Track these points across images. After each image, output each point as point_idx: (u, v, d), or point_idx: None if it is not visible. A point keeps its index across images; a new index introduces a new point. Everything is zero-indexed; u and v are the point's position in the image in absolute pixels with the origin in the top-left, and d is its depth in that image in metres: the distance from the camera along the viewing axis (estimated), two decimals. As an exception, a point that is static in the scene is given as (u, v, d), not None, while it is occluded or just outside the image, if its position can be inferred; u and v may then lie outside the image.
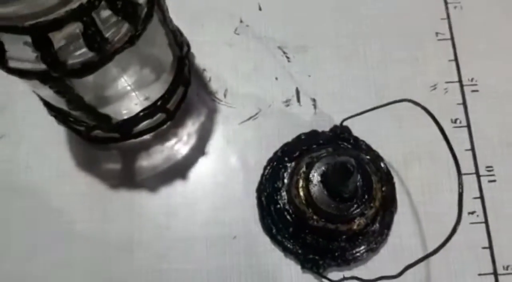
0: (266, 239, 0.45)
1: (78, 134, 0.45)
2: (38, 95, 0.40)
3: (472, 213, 0.45)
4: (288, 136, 0.47)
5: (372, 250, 0.44)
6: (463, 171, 0.46)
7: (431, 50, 0.50)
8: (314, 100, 0.49)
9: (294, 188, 0.42)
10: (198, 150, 0.47)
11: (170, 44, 0.40)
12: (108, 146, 0.47)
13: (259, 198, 0.45)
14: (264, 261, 0.44)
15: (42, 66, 0.28)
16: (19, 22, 0.25)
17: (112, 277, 0.44)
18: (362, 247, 0.44)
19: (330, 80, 0.49)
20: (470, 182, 0.46)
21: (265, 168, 0.46)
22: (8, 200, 0.46)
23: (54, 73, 0.28)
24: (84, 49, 0.28)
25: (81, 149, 0.47)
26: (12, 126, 0.48)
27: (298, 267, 0.44)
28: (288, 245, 0.44)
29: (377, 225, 0.44)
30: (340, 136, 0.46)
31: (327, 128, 0.47)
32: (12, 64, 0.28)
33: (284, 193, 0.45)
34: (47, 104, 0.41)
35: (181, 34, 0.44)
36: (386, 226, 0.44)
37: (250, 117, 0.48)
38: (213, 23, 0.51)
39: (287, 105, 0.49)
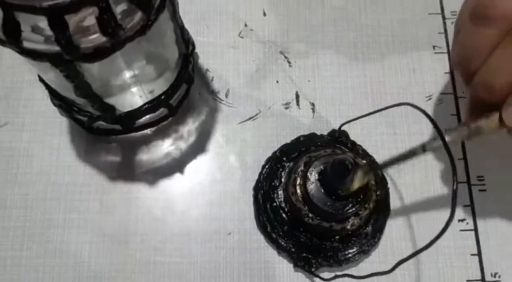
0: (260, 237, 0.45)
1: (81, 125, 0.46)
2: (44, 83, 0.41)
3: (462, 220, 0.46)
4: (287, 138, 0.48)
5: (364, 252, 0.44)
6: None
7: (428, 62, 0.52)
8: (313, 104, 0.50)
9: (291, 186, 0.43)
10: (197, 147, 0.48)
11: (177, 40, 0.41)
12: (109, 138, 0.47)
13: (255, 196, 0.46)
14: (257, 258, 0.45)
15: (55, 48, 0.29)
16: (36, 2, 0.26)
17: (106, 268, 0.44)
18: (354, 249, 0.44)
19: (329, 86, 0.50)
20: (461, 191, 0.47)
21: (263, 167, 0.47)
22: (7, 187, 0.46)
23: (67, 56, 0.29)
24: (97, 35, 0.29)
25: (81, 140, 0.48)
26: (15, 114, 0.49)
27: (291, 265, 0.45)
28: (282, 243, 0.44)
29: (370, 227, 0.45)
30: (338, 140, 0.47)
31: (324, 132, 0.48)
32: (26, 45, 0.29)
33: (280, 192, 0.45)
34: (52, 92, 0.41)
35: (188, 32, 0.45)
36: (379, 229, 0.45)
37: (250, 118, 0.49)
38: (218, 25, 0.52)
39: (287, 108, 0.50)
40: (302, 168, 0.42)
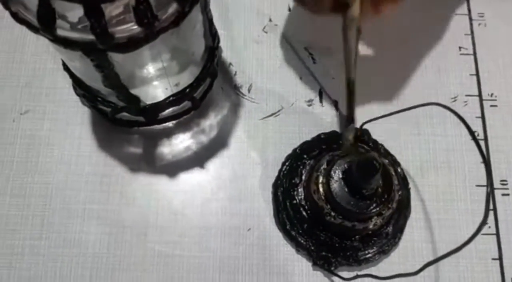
0: (279, 234, 0.45)
1: (103, 116, 0.45)
2: (69, 72, 0.41)
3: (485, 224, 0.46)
4: (308, 135, 0.48)
5: (384, 252, 0.44)
6: (477, 182, 0.47)
7: (454, 63, 0.51)
8: (336, 102, 0.49)
9: (313, 184, 0.42)
10: (219, 142, 0.48)
11: (205, 33, 0.40)
12: (130, 130, 0.47)
13: (275, 193, 0.46)
14: (276, 255, 0.45)
15: (89, 37, 0.29)
16: (74, -9, 0.26)
17: (125, 260, 0.44)
18: (374, 248, 0.44)
19: (353, 84, 0.50)
20: (484, 194, 0.47)
21: (283, 164, 0.47)
22: (27, 175, 0.46)
23: (100, 45, 0.29)
24: (132, 24, 0.29)
25: (103, 130, 0.48)
26: (36, 102, 0.48)
27: (309, 264, 0.44)
28: (301, 241, 0.44)
29: (391, 227, 0.44)
30: (359, 138, 0.47)
31: (347, 130, 0.48)
32: (60, 33, 0.29)
33: (301, 189, 0.45)
34: (76, 81, 0.41)
35: (214, 26, 0.44)
36: (399, 229, 0.45)
37: (272, 114, 0.49)
38: (242, 20, 0.52)
39: (310, 105, 0.49)
40: (325, 166, 0.42)
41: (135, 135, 0.48)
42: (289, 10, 0.52)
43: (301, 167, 0.46)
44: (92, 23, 0.28)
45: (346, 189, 0.40)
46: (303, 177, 0.46)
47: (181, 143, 0.48)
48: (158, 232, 0.45)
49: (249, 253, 0.45)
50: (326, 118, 0.49)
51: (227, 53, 0.51)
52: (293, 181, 0.46)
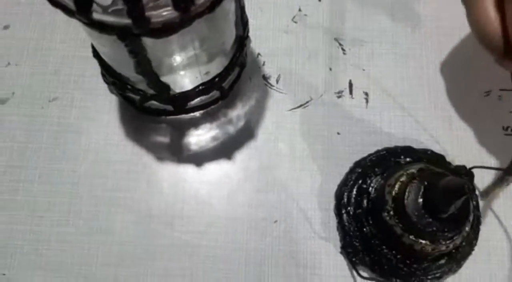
0: (307, 226, 0.45)
1: (132, 104, 0.45)
2: (99, 59, 0.41)
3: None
4: (338, 127, 0.47)
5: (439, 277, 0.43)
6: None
7: (487, 56, 0.50)
8: (366, 94, 0.49)
9: (385, 197, 0.41)
10: (246, 132, 0.48)
11: (237, 22, 0.40)
12: (158, 119, 0.47)
13: (337, 203, 0.45)
14: (303, 248, 0.44)
15: (125, 21, 0.28)
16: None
17: (151, 249, 0.44)
18: (433, 272, 0.43)
19: (384, 76, 0.49)
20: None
21: (351, 170, 0.46)
22: (54, 162, 0.46)
23: (136, 30, 0.28)
24: (168, 8, 0.28)
25: (130, 119, 0.47)
26: (65, 90, 0.48)
27: (337, 257, 0.44)
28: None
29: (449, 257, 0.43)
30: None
31: (377, 123, 0.47)
32: (96, 16, 0.28)
33: (366, 201, 0.44)
34: (106, 68, 0.41)
35: (246, 14, 0.44)
36: (458, 261, 0.44)
37: (301, 105, 0.48)
38: (271, 9, 0.51)
39: (339, 97, 0.48)
40: (400, 180, 0.41)
41: (162, 124, 0.47)
42: (319, 0, 0.51)
43: (372, 177, 0.45)
44: (129, 6, 0.27)
45: (422, 208, 0.39)
46: (371, 189, 0.45)
47: (208, 133, 0.47)
48: (185, 222, 0.45)
49: (275, 245, 0.44)
50: (356, 111, 0.48)
51: (255, 43, 0.50)
52: (360, 191, 0.45)
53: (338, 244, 0.44)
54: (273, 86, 0.49)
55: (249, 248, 0.44)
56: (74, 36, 0.50)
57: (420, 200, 0.39)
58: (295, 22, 0.51)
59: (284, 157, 0.47)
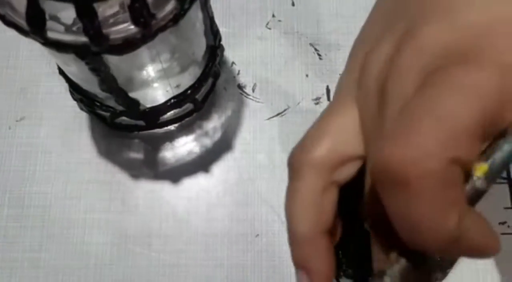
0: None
1: (102, 120, 0.43)
2: (65, 77, 0.39)
3: (503, 223, 0.44)
4: (317, 135, 0.46)
5: None
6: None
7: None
8: (344, 99, 0.47)
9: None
10: (223, 144, 0.46)
11: (206, 31, 0.38)
12: (131, 135, 0.45)
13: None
14: (286, 261, 0.43)
15: (82, 39, 0.27)
16: (63, -11, 0.24)
17: (128, 270, 0.42)
18: None
19: (361, 80, 0.48)
20: (502, 191, 0.45)
21: None
22: (24, 185, 0.44)
23: (95, 47, 0.27)
24: (127, 24, 0.27)
25: (102, 136, 0.46)
26: (33, 108, 0.46)
27: (322, 270, 0.42)
28: None
29: None
30: None
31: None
32: (51, 35, 0.27)
33: None
34: (73, 86, 0.39)
35: (216, 24, 0.42)
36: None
37: (278, 114, 0.47)
38: (244, 16, 0.50)
39: (317, 103, 0.47)
40: None
41: (135, 140, 0.46)
42: (293, 4, 0.50)
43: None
44: (85, 24, 0.26)
45: None
46: None
47: (184, 147, 0.46)
48: (163, 241, 0.43)
49: (258, 260, 0.43)
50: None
51: (229, 51, 0.48)
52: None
53: (323, 256, 0.43)
54: (249, 95, 0.47)
55: (231, 264, 0.43)
56: (40, 53, 0.48)
57: None
58: (269, 29, 0.50)
59: (263, 168, 0.45)
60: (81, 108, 0.43)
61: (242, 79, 0.48)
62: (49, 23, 0.26)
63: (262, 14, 0.50)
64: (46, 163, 0.45)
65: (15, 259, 0.42)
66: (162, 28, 0.28)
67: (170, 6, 0.28)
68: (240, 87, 0.48)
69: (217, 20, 0.43)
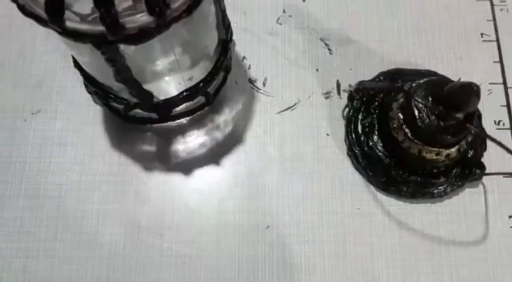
0: (300, 230, 0.44)
1: (116, 113, 0.44)
2: (80, 69, 0.40)
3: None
4: (327, 128, 0.47)
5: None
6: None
7: (476, 50, 0.49)
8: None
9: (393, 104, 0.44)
10: (234, 138, 0.47)
11: (218, 25, 0.39)
12: (143, 127, 0.46)
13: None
14: (297, 253, 0.43)
15: (99, 28, 0.27)
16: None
17: (141, 261, 0.43)
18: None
19: (372, 75, 0.48)
20: (510, 184, 0.45)
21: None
22: (40, 176, 0.45)
23: (111, 37, 0.28)
24: (143, 14, 0.28)
25: (116, 129, 0.46)
26: (48, 102, 0.47)
27: (332, 261, 0.43)
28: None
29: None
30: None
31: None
32: (69, 24, 0.28)
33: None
34: (88, 78, 0.40)
35: (228, 18, 0.43)
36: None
37: (289, 108, 0.47)
38: (255, 11, 0.51)
39: (327, 98, 0.48)
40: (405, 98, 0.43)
41: (148, 133, 0.46)
42: (303, 0, 0.51)
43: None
44: (102, 13, 0.26)
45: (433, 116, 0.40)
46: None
47: (195, 140, 0.46)
48: (175, 232, 0.44)
49: (268, 252, 0.43)
50: (344, 110, 0.47)
51: (240, 46, 0.49)
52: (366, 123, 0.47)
53: (333, 247, 0.43)
54: (260, 89, 0.48)
55: (242, 256, 0.43)
56: (56, 47, 0.49)
57: (429, 105, 0.40)
58: (280, 24, 0.50)
59: (274, 160, 0.46)
60: (95, 102, 0.44)
61: (253, 73, 0.49)
62: (67, 13, 0.27)
63: (273, 10, 0.51)
64: (61, 155, 0.46)
65: (30, 248, 0.43)
66: (176, 19, 0.29)
67: (183, -3, 0.29)
68: (251, 81, 0.48)
69: (229, 15, 0.44)
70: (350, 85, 0.47)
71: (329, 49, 0.49)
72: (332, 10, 0.50)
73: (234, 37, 0.48)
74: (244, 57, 0.49)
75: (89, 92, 0.43)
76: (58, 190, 0.45)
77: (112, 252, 0.43)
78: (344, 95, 0.48)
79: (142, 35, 0.28)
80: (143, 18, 0.28)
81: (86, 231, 0.44)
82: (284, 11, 0.50)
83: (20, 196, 0.45)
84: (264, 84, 0.48)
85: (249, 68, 0.49)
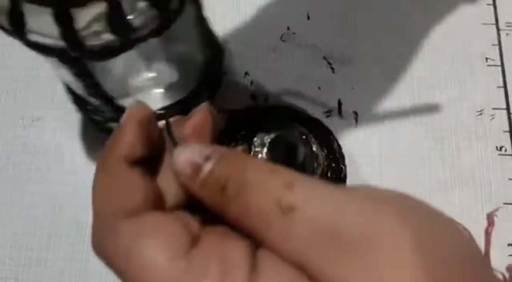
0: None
1: (95, 124, 0.44)
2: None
3: None
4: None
5: None
6: (505, 200, 0.44)
7: (480, 75, 0.48)
8: (356, 113, 0.47)
9: None
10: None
11: (202, 45, 0.39)
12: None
13: None
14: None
15: (61, 44, 0.27)
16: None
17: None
18: None
19: (373, 95, 0.48)
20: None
21: None
22: (37, 185, 0.46)
23: (73, 52, 0.28)
24: (106, 33, 0.28)
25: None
26: (46, 110, 0.48)
27: None
28: None
29: None
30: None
31: (368, 143, 0.46)
32: (31, 37, 0.28)
33: None
34: (67, 89, 0.40)
35: (217, 37, 0.42)
36: None
37: (290, 126, 0.47)
38: (259, 28, 0.50)
39: (328, 116, 0.47)
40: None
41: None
42: (308, 18, 0.50)
43: None
44: (62, 29, 0.27)
45: None
46: None
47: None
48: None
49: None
50: (345, 130, 0.47)
51: (242, 62, 0.49)
52: None
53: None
54: (261, 106, 0.48)
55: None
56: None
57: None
58: (284, 41, 0.50)
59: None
60: (77, 111, 0.43)
61: (255, 89, 0.48)
62: (32, 26, 0.27)
63: (277, 27, 0.50)
64: (58, 164, 0.46)
65: (23, 258, 0.43)
66: (142, 39, 0.29)
67: (153, 18, 0.29)
68: (252, 97, 0.48)
69: (232, 31, 0.44)
70: None
71: (332, 68, 0.49)
72: (336, 29, 0.50)
73: (237, 53, 0.48)
74: (246, 73, 0.49)
75: (72, 102, 0.43)
76: (53, 200, 0.45)
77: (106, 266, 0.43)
78: (346, 115, 0.47)
79: (105, 53, 0.28)
80: (105, 36, 0.28)
81: (80, 241, 0.44)
82: (288, 28, 0.50)
83: (14, 205, 0.45)
84: (265, 101, 0.48)
85: (251, 84, 0.49)
